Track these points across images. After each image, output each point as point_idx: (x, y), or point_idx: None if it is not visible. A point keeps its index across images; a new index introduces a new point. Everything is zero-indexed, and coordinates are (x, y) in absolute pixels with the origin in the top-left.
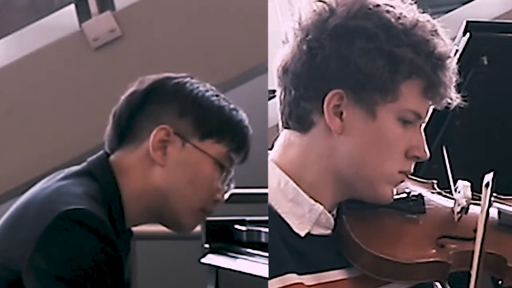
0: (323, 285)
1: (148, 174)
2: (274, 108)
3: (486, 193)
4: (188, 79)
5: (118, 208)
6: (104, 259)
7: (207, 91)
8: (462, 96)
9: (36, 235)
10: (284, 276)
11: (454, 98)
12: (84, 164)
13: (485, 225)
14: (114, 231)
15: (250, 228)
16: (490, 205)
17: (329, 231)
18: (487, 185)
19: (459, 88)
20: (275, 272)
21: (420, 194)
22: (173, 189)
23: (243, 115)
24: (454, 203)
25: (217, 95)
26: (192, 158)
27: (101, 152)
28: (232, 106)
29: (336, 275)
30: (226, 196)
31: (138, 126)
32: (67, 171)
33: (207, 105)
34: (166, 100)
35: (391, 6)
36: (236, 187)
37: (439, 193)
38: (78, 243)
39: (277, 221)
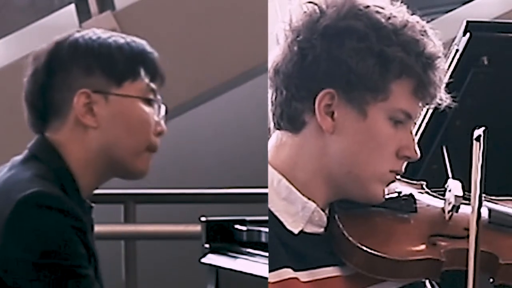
0: (317, 281)
1: (86, 141)
2: None
3: (477, 148)
4: (76, 34)
5: (70, 183)
6: (73, 232)
7: (99, 37)
8: (462, 96)
9: (1, 229)
10: (281, 271)
11: (445, 98)
12: (25, 151)
13: (480, 183)
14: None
15: (250, 228)
16: (483, 159)
17: (322, 230)
18: (477, 138)
19: (459, 88)
20: (272, 267)
21: (411, 194)
22: (114, 144)
23: (142, 43)
24: (445, 202)
25: (109, 36)
26: (120, 107)
27: (37, 136)
28: (128, 39)
29: (329, 272)
30: (163, 124)
31: (55, 101)
32: (10, 163)
33: (107, 51)
34: (68, 66)
35: (381, 7)
36: (236, 187)
37: (427, 193)
38: (43, 224)
39: (272, 219)
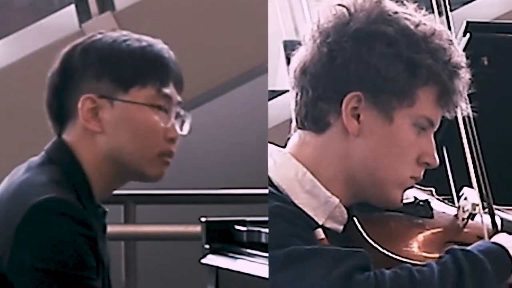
0: None
1: (94, 145)
2: (274, 108)
3: None
4: (94, 37)
5: (84, 188)
6: (84, 241)
7: (114, 41)
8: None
9: (12, 232)
10: (321, 236)
11: (465, 108)
12: (42, 153)
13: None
14: (85, 210)
15: (250, 228)
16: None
17: (341, 227)
18: None
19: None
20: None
21: (427, 200)
22: (121, 149)
23: (158, 47)
24: (458, 209)
25: (125, 40)
26: (126, 113)
27: (55, 137)
28: (144, 43)
29: None
30: (186, 129)
31: (67, 104)
32: (27, 164)
33: (118, 56)
34: (80, 70)
35: (409, 14)
36: (236, 188)
37: (438, 199)
38: (55, 231)
39: (274, 194)
